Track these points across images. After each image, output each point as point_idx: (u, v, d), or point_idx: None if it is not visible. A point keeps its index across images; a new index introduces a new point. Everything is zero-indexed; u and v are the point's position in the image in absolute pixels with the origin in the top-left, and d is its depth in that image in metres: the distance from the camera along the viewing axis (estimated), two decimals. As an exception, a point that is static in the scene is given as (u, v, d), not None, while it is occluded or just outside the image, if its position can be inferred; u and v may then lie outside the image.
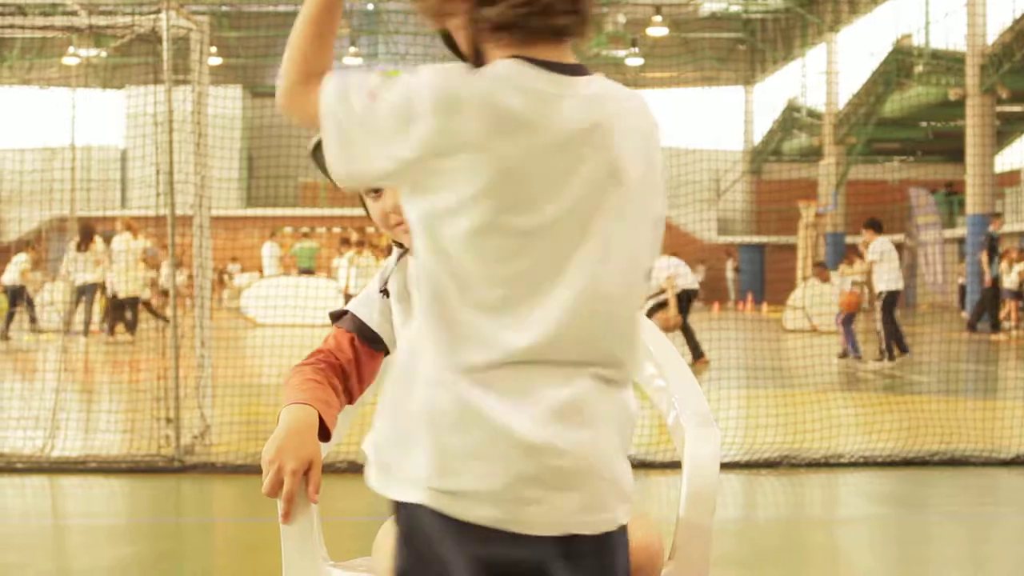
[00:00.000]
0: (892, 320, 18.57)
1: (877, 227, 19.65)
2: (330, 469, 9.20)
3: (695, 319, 19.68)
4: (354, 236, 31.12)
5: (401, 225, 3.11)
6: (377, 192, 3.14)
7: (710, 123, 51.91)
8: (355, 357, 3.24)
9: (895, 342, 18.60)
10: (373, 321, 3.27)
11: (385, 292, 3.26)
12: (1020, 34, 32.03)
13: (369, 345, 3.27)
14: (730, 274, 48.56)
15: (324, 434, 3.09)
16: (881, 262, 18.88)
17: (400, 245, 3.28)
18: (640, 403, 2.41)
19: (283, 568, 2.92)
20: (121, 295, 23.87)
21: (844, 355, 19.36)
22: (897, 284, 18.75)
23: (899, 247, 37.82)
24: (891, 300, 18.64)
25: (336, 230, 41.05)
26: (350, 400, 3.25)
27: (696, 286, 18.45)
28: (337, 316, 3.32)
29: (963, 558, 7.23)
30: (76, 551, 7.42)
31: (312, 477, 2.88)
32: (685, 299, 18.14)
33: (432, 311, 2.27)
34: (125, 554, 7.18)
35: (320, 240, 38.82)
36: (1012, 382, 15.69)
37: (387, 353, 3.31)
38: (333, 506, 8.13)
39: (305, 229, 41.20)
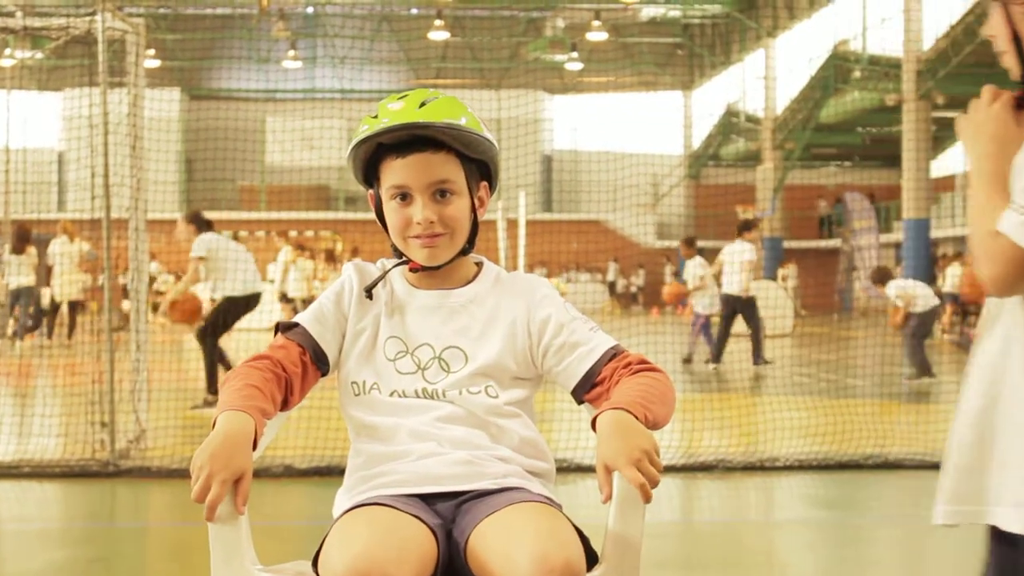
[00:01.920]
0: (722, 331, 19.27)
1: (691, 243, 20.41)
2: (265, 474, 9.20)
3: (639, 321, 19.84)
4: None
5: (419, 238, 3.17)
6: (406, 198, 3.17)
7: (649, 127, 52.05)
8: (302, 371, 3.23)
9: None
10: (325, 341, 3.26)
11: (369, 295, 3.26)
12: (956, 40, 32.29)
13: (316, 364, 3.26)
14: (669, 278, 48.70)
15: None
16: (703, 285, 19.85)
17: (400, 254, 3.29)
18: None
19: (211, 573, 2.91)
20: (58, 299, 23.73)
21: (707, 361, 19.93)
22: (713, 309, 19.77)
23: (835, 251, 38.14)
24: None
25: (273, 234, 40.92)
26: (283, 410, 3.23)
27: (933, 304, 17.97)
28: (287, 327, 3.30)
29: (897, 560, 7.29)
30: (9, 556, 7.36)
31: (241, 488, 2.87)
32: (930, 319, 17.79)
33: None
34: (58, 558, 7.14)
35: (257, 244, 38.66)
36: (946, 386, 15.80)
37: (325, 374, 3.30)
38: (266, 511, 8.12)
39: (243, 232, 41.05)
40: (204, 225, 13.61)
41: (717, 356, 19.16)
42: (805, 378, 17.68)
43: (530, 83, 50.99)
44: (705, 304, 20.73)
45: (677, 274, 48.90)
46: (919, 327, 16.84)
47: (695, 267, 20.87)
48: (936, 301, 17.44)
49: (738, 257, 19.24)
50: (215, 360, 13.21)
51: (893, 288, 17.22)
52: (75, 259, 23.24)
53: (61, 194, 48.06)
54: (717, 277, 19.90)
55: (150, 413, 10.72)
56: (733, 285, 19.33)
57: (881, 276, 17.89)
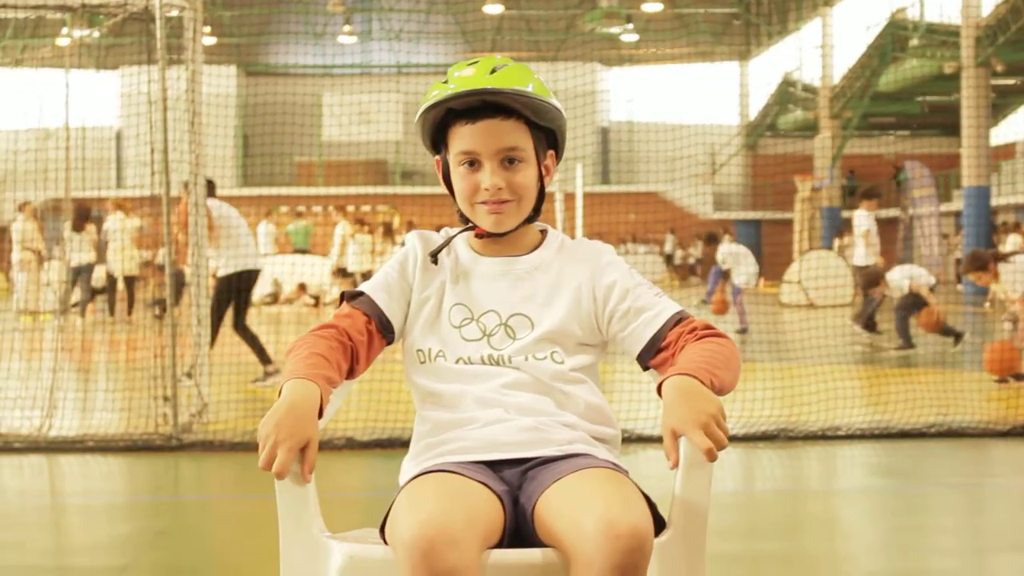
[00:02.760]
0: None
1: (712, 240, 20.63)
2: (328, 446, 9.24)
3: (699, 292, 19.89)
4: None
5: (486, 204, 3.19)
6: (474, 165, 3.19)
7: (705, 98, 51.85)
8: (368, 340, 3.23)
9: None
10: (391, 309, 3.27)
11: (434, 260, 3.28)
12: (1015, 6, 31.96)
13: (381, 333, 3.27)
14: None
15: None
16: (736, 263, 20.12)
17: (466, 220, 3.29)
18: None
19: (280, 539, 2.92)
20: (116, 275, 23.91)
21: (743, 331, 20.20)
22: (750, 282, 20.34)
23: (894, 220, 37.95)
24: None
25: (331, 209, 41.00)
26: (349, 378, 3.24)
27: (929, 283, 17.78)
28: (352, 296, 3.31)
29: (960, 528, 7.25)
30: (74, 529, 7.43)
31: (307, 455, 2.87)
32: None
33: None
34: (124, 531, 7.19)
35: (315, 219, 38.78)
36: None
37: (390, 343, 3.31)
38: (330, 482, 8.16)
39: (301, 208, 41.18)
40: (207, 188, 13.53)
41: (872, 326, 19.10)
42: (866, 347, 17.59)
43: (586, 55, 50.86)
44: (742, 278, 20.91)
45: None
46: (908, 302, 16.79)
47: (724, 258, 21.13)
48: (932, 280, 17.33)
49: (857, 228, 19.37)
50: (254, 336, 13.20)
51: (899, 275, 17.11)
52: (132, 234, 23.40)
53: (120, 171, 48.34)
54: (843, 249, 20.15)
55: (211, 387, 10.79)
56: (857, 257, 19.43)
57: (873, 279, 17.86)
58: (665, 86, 52.22)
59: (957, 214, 39.13)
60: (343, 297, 3.31)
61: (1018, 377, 12.67)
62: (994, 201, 36.64)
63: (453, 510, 2.74)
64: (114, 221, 23.52)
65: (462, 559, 2.67)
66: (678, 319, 3.17)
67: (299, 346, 3.12)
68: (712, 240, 21.49)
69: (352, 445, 9.47)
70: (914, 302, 16.82)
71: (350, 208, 40.65)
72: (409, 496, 2.88)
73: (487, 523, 2.82)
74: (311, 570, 2.92)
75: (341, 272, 28.50)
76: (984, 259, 13.38)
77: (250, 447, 9.31)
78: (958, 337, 16.51)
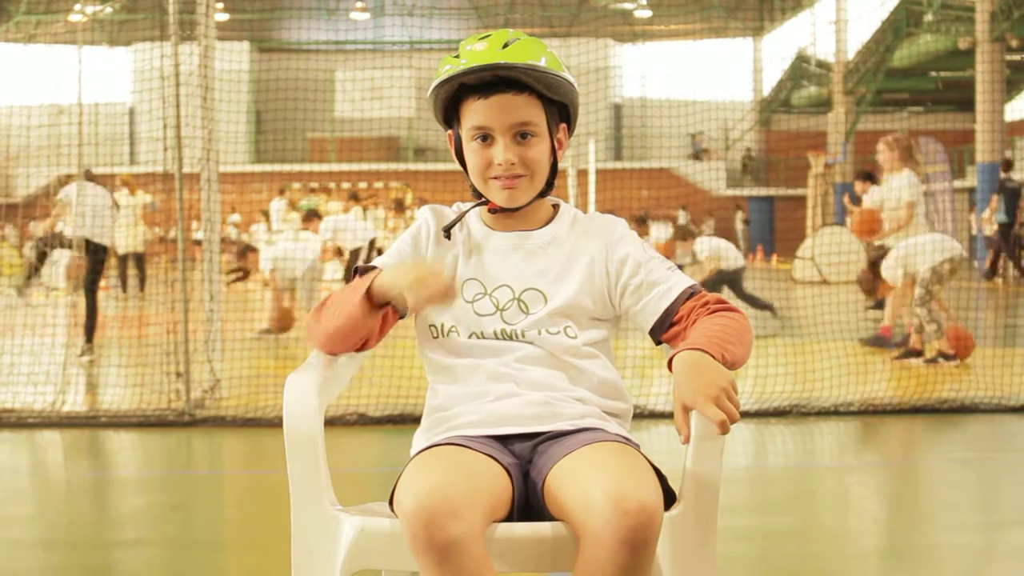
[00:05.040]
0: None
1: (686, 234, 20.24)
2: (339, 421, 9.26)
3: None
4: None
5: (499, 179, 3.19)
6: (487, 140, 3.19)
7: (719, 74, 51.69)
8: (380, 314, 3.24)
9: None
10: None
11: (447, 234, 3.28)
12: (1031, -20, 31.83)
13: (394, 307, 3.27)
14: (739, 226, 48.42)
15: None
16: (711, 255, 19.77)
17: (479, 195, 3.29)
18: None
19: (292, 513, 2.94)
20: (121, 251, 23.89)
21: None
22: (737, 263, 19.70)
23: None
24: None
25: (345, 185, 40.98)
26: (360, 351, 3.25)
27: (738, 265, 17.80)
28: (366, 271, 3.30)
29: (972, 503, 7.25)
30: (87, 504, 7.44)
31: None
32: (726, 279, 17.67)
33: None
34: (136, 506, 7.21)
35: (329, 196, 38.74)
36: (1021, 330, 15.68)
37: (403, 317, 3.31)
38: (341, 457, 8.18)
39: (314, 184, 41.13)
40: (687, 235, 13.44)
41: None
42: (878, 323, 17.56)
43: (598, 31, 50.70)
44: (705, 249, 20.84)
45: (748, 222, 48.79)
46: (730, 282, 16.90)
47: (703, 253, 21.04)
48: (743, 262, 17.42)
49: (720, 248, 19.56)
50: (94, 308, 13.42)
51: (704, 247, 17.23)
52: (138, 212, 23.40)
53: (133, 147, 48.34)
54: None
55: (224, 363, 10.80)
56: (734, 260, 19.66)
57: (684, 234, 17.95)
58: (678, 62, 52.09)
59: (971, 190, 39.01)
60: (356, 271, 3.31)
61: (917, 354, 12.71)
62: (1008, 177, 36.51)
63: (455, 482, 2.75)
64: (120, 198, 23.53)
65: (463, 530, 2.68)
66: (690, 293, 3.17)
67: (331, 304, 3.17)
68: (687, 235, 21.14)
69: (364, 421, 9.48)
70: (719, 278, 16.95)
71: (362, 184, 40.59)
72: (415, 468, 2.89)
73: (492, 496, 2.82)
74: (322, 543, 2.94)
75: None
76: (688, 232, 13.27)
77: (261, 423, 9.35)
78: (769, 308, 16.62)
